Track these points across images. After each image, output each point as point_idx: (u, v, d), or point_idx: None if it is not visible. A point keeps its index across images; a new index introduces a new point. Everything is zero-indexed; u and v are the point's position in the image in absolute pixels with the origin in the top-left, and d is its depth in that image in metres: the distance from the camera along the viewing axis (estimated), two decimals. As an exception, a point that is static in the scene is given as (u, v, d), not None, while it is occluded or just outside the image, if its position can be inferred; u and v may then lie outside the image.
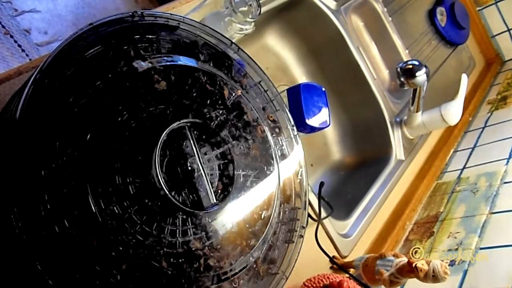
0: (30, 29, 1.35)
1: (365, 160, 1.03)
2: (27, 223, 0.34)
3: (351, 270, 0.72)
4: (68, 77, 0.39)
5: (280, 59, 1.02)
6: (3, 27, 1.22)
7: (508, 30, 1.48)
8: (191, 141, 0.46)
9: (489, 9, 1.48)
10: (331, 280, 0.62)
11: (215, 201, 0.46)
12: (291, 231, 0.54)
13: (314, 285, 0.62)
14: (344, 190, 0.96)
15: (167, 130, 0.44)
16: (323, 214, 0.76)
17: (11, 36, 1.21)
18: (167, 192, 0.42)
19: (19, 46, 1.22)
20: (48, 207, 0.35)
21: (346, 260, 0.76)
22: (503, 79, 1.40)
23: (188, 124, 0.46)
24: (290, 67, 1.04)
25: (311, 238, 0.72)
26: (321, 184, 0.79)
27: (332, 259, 0.73)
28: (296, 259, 0.53)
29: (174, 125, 0.44)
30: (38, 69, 0.37)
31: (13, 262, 0.36)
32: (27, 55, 1.23)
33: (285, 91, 0.77)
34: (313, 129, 0.76)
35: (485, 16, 1.50)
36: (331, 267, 0.74)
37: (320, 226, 0.74)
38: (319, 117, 0.77)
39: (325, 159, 1.04)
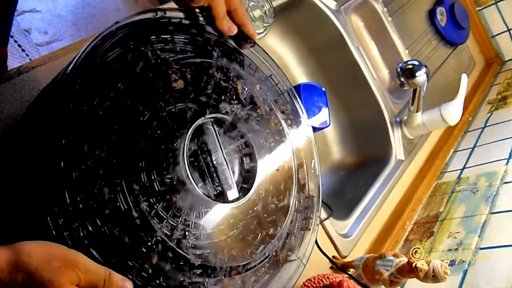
0: (30, 29, 1.35)
1: (365, 160, 1.03)
2: (63, 224, 0.35)
3: (351, 270, 0.72)
4: (92, 81, 0.40)
5: (280, 59, 1.02)
6: (3, 27, 1.22)
7: (508, 30, 1.48)
8: (216, 136, 0.48)
9: (489, 9, 1.49)
10: (331, 280, 0.62)
11: (238, 194, 0.48)
12: (307, 219, 0.57)
13: (314, 285, 0.62)
14: (344, 190, 0.96)
15: (193, 126, 0.45)
16: (324, 215, 0.76)
17: (11, 36, 1.21)
18: (195, 187, 0.43)
19: (19, 46, 1.22)
20: (81, 207, 0.37)
21: (346, 260, 0.76)
22: (503, 79, 1.40)
23: (212, 120, 0.48)
24: (290, 67, 1.04)
25: (311, 238, 0.72)
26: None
27: (331, 260, 0.73)
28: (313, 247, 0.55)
29: (199, 121, 0.46)
30: (67, 72, 0.38)
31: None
32: (27, 55, 1.23)
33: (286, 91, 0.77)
34: (313, 129, 0.76)
35: (485, 16, 1.50)
36: (331, 267, 0.74)
37: (320, 226, 0.74)
38: (319, 117, 0.77)
39: (325, 159, 1.04)
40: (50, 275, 0.31)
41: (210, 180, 0.47)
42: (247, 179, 0.51)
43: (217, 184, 0.47)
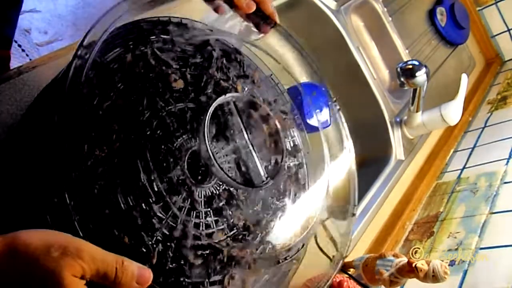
0: (30, 29, 1.35)
1: (365, 160, 1.02)
2: (63, 224, 0.35)
3: (351, 270, 0.72)
4: (91, 80, 0.40)
5: (280, 59, 1.02)
6: (3, 27, 1.21)
7: (508, 30, 1.48)
8: (239, 118, 0.47)
9: (489, 9, 1.48)
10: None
11: (266, 178, 0.48)
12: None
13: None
14: (344, 190, 0.96)
15: (214, 104, 0.44)
16: (324, 215, 0.76)
17: (11, 36, 1.21)
18: (218, 167, 0.42)
19: (19, 46, 1.22)
20: (81, 207, 0.36)
21: (346, 260, 0.76)
22: (503, 79, 1.40)
23: (234, 99, 0.46)
24: (290, 67, 1.04)
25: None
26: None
27: (332, 260, 0.73)
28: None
29: (221, 99, 0.45)
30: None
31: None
32: (27, 55, 1.23)
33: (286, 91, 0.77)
34: (313, 129, 0.76)
35: (485, 16, 1.50)
36: (331, 267, 0.74)
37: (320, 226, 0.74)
38: (320, 117, 0.77)
39: (325, 159, 1.04)
40: (49, 266, 0.28)
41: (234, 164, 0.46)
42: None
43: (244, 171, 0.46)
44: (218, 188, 0.48)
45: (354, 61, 1.00)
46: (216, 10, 0.50)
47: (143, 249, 0.39)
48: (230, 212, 0.48)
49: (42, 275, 0.28)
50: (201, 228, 0.45)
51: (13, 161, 0.42)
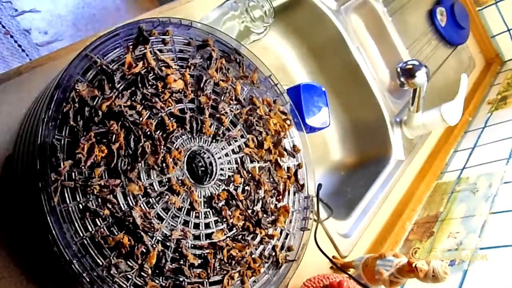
0: (30, 29, 1.35)
1: (365, 160, 1.03)
2: (63, 224, 0.35)
3: (351, 270, 0.72)
4: (91, 81, 0.40)
5: (280, 59, 1.02)
6: (3, 27, 1.22)
7: (508, 30, 1.47)
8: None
9: (489, 9, 1.48)
10: (331, 280, 0.62)
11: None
12: (305, 219, 0.57)
13: (314, 285, 0.62)
14: (344, 190, 0.96)
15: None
16: (324, 215, 0.76)
17: (11, 36, 1.21)
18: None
19: (19, 46, 1.22)
20: (81, 208, 0.37)
21: (346, 260, 0.76)
22: (503, 79, 1.40)
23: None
24: (290, 67, 1.04)
25: (311, 239, 0.72)
26: (319, 186, 0.79)
27: (331, 260, 0.73)
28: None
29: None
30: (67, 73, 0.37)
31: (50, 263, 0.37)
32: (27, 55, 1.23)
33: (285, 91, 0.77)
34: (313, 129, 0.76)
35: (485, 16, 1.50)
36: (331, 267, 0.74)
37: (320, 226, 0.74)
38: (319, 117, 0.77)
39: (325, 159, 1.04)
40: None
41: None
42: (247, 179, 0.51)
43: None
44: (218, 188, 0.48)
45: (354, 61, 1.00)
46: None
47: (143, 249, 0.39)
48: (230, 212, 0.48)
49: None
50: (200, 228, 0.45)
51: (13, 160, 0.42)
